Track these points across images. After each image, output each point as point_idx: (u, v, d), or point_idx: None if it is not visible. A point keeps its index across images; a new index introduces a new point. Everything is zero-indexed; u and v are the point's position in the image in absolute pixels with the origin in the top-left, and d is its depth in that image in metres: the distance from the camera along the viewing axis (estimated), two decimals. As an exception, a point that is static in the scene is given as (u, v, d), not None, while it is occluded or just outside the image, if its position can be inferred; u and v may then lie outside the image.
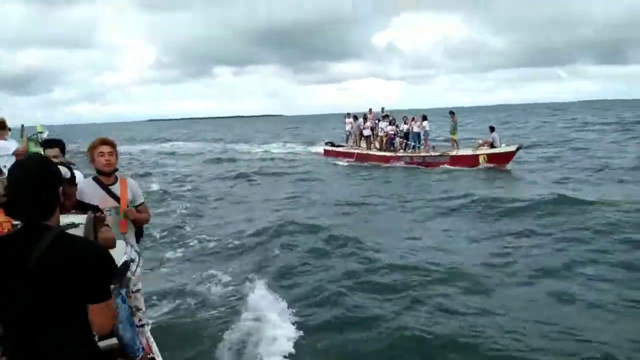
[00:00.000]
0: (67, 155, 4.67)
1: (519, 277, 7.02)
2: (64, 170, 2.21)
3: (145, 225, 3.96)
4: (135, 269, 3.65)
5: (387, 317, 5.71)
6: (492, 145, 18.93)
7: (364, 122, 24.27)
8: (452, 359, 4.82)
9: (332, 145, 26.85)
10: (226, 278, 7.38)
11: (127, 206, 3.66)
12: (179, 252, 9.06)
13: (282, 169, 22.40)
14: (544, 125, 45.11)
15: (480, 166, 18.52)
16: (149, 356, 3.62)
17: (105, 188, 3.64)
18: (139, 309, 3.74)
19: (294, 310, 5.99)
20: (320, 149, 29.13)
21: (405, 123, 22.19)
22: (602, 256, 7.64)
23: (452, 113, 21.31)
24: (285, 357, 4.92)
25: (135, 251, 3.73)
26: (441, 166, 19.42)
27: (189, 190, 16.93)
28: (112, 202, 3.60)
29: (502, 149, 18.70)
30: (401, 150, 21.96)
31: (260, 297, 6.38)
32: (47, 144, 4.60)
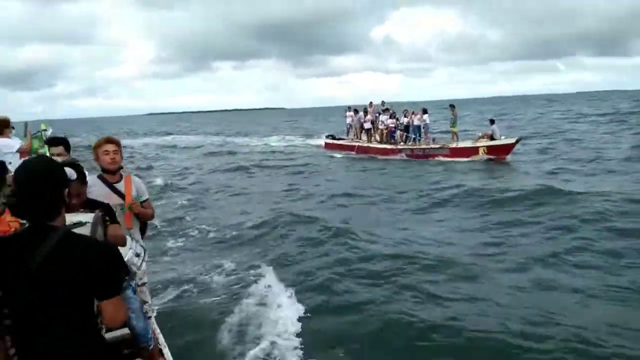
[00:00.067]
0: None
1: (506, 265, 7.28)
2: (69, 171, 2.25)
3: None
4: (141, 264, 3.67)
5: (377, 302, 6.01)
6: (491, 138, 19.09)
7: (365, 116, 24.45)
8: (438, 342, 5.06)
9: (333, 138, 27.02)
10: (226, 266, 7.67)
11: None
12: (180, 242, 9.36)
13: (281, 162, 22.63)
14: (540, 117, 45.24)
15: (480, 158, 18.69)
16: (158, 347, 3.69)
17: (110, 186, 3.69)
18: (145, 302, 3.79)
19: (292, 296, 6.27)
20: (320, 141, 29.31)
21: (405, 116, 22.35)
22: (588, 244, 7.88)
23: (452, 106, 21.43)
24: (284, 338, 5.21)
25: (141, 246, 3.74)
26: (441, 158, 19.59)
27: (189, 182, 17.22)
28: (117, 200, 3.63)
29: (502, 141, 18.86)
30: (402, 143, 22.11)
31: (259, 284, 6.73)
32: (52, 141, 4.70)
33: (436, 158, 19.74)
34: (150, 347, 3.50)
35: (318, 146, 28.53)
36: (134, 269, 3.41)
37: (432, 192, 12.93)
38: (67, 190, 1.90)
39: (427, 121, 21.88)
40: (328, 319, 5.73)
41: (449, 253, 7.84)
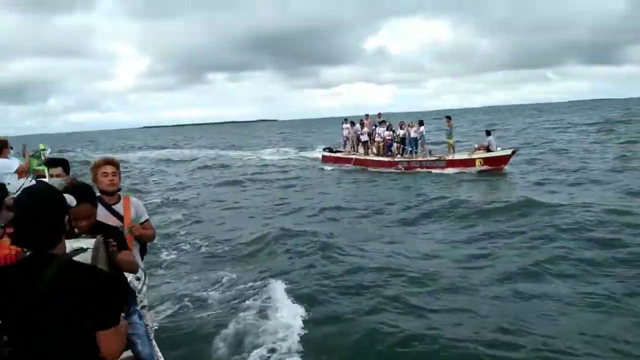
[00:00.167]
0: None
1: (487, 275, 7.53)
2: (69, 198, 2.24)
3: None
4: (142, 287, 3.60)
5: (361, 312, 6.26)
6: (488, 149, 19.25)
7: (361, 128, 24.57)
8: (416, 350, 5.30)
9: (330, 150, 27.04)
10: (219, 281, 7.88)
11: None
12: (173, 256, 9.58)
13: (273, 175, 22.89)
14: (530, 127, 45.82)
15: (477, 170, 18.85)
16: None
17: (109, 207, 3.63)
18: (146, 325, 3.69)
19: (280, 308, 6.47)
20: (315, 154, 29.59)
21: (401, 128, 22.48)
22: (567, 254, 8.14)
23: (448, 117, 21.61)
24: (273, 348, 5.46)
25: (141, 269, 3.64)
26: (438, 170, 19.72)
27: (183, 197, 17.39)
28: (115, 222, 3.54)
29: (498, 152, 19.08)
30: (398, 155, 22.23)
31: (250, 297, 6.96)
32: (51, 162, 4.78)
33: (433, 170, 19.86)
34: None
35: (312, 159, 28.79)
36: (135, 292, 3.36)
37: (421, 204, 13.23)
38: (67, 217, 1.92)
39: (424, 133, 22.04)
40: (314, 330, 5.93)
41: (432, 265, 8.13)
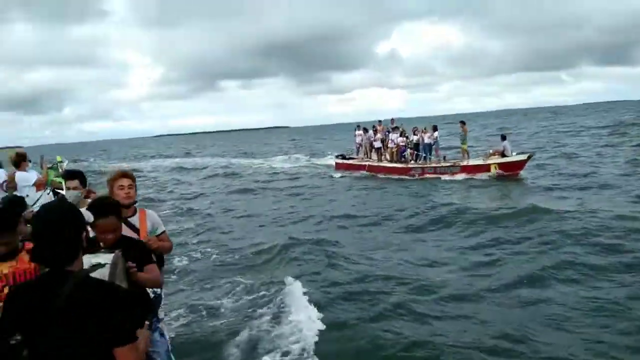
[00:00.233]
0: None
1: (493, 282, 7.58)
2: (87, 214, 2.32)
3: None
4: (158, 300, 3.61)
5: (366, 319, 6.40)
6: (503, 154, 18.97)
7: (374, 134, 24.43)
8: (419, 357, 5.40)
9: (344, 157, 26.88)
10: (230, 288, 8.07)
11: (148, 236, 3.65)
12: (185, 263, 9.78)
13: (284, 183, 23.09)
14: (542, 130, 45.54)
15: (491, 175, 18.64)
16: None
17: (125, 220, 3.58)
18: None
19: (289, 315, 6.62)
20: (327, 161, 29.69)
21: (415, 134, 22.35)
22: (574, 262, 8.13)
23: (462, 122, 21.36)
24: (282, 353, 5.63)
25: None
26: (452, 177, 19.50)
27: (195, 206, 17.60)
28: (131, 235, 3.53)
29: (514, 157, 18.76)
30: (412, 162, 22.02)
31: (257, 306, 7.13)
32: (67, 175, 4.89)
33: (447, 176, 19.65)
34: None
35: (323, 165, 28.90)
36: (157, 308, 3.37)
37: (430, 211, 13.26)
38: (85, 233, 1.96)
39: (438, 138, 21.85)
40: (323, 335, 6.03)
41: (438, 272, 8.23)
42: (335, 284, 7.80)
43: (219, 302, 7.55)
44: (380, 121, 25.28)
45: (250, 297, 7.61)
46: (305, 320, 6.50)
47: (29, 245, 2.67)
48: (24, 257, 2.84)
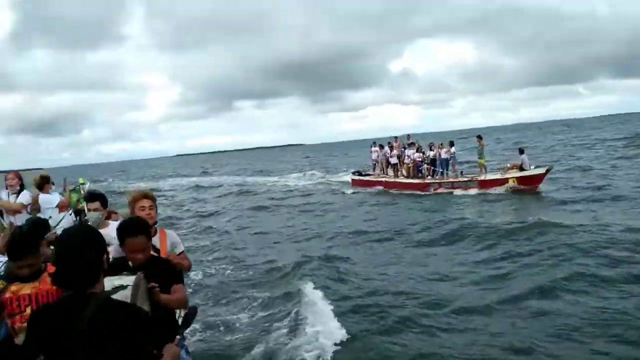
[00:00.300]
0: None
1: (501, 295, 7.65)
2: (110, 235, 2.39)
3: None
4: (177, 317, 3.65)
5: (374, 332, 6.55)
6: (521, 168, 18.83)
7: (390, 151, 24.44)
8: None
9: (360, 174, 26.88)
10: (244, 304, 8.29)
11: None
12: (199, 277, 10.02)
13: (297, 200, 23.32)
14: (558, 144, 45.23)
15: (507, 190, 18.48)
16: None
17: None
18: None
19: (303, 330, 6.78)
20: (341, 177, 29.81)
21: (431, 149, 22.31)
22: (583, 275, 8.13)
23: (479, 137, 21.29)
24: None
25: None
26: (468, 191, 19.36)
27: (210, 224, 17.88)
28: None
29: (532, 171, 18.63)
30: (429, 177, 21.93)
31: (272, 321, 7.34)
32: (89, 197, 4.91)
33: (464, 191, 19.50)
34: None
35: (337, 182, 29.10)
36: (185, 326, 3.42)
37: (443, 226, 13.32)
38: (106, 256, 2.00)
39: (455, 153, 21.77)
40: (334, 349, 6.22)
41: (449, 286, 8.35)
42: (347, 298, 7.96)
43: (234, 316, 7.75)
44: (396, 137, 25.33)
45: (266, 312, 7.82)
46: (320, 333, 6.62)
47: (52, 267, 2.69)
48: (47, 278, 2.87)
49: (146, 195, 3.90)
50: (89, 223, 4.22)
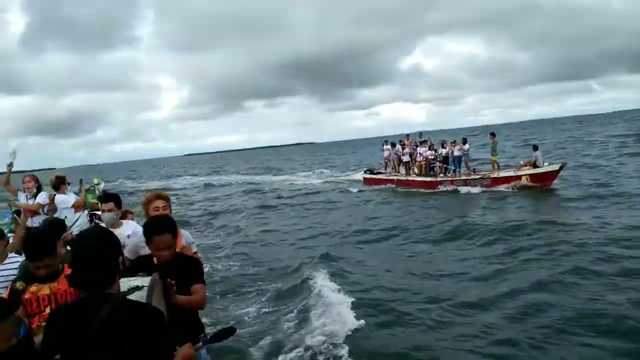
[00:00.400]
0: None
1: (501, 291, 7.83)
2: (122, 236, 2.46)
3: None
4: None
5: (375, 328, 6.79)
6: (534, 165, 18.61)
7: (402, 149, 24.39)
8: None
9: (371, 172, 26.79)
10: (253, 299, 8.58)
11: None
12: (206, 269, 10.25)
13: (305, 199, 23.55)
14: (567, 140, 44.98)
15: (514, 186, 18.37)
16: None
17: None
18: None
19: (307, 324, 7.04)
20: (351, 176, 29.88)
21: (443, 147, 22.20)
22: (586, 272, 8.22)
23: (492, 134, 21.17)
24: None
25: None
26: (482, 189, 19.24)
27: (218, 223, 18.19)
28: None
29: (545, 168, 18.33)
30: (441, 175, 21.79)
31: (277, 316, 7.60)
32: (103, 198, 4.97)
33: (476, 188, 19.40)
34: None
35: (346, 180, 29.23)
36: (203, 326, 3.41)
37: (450, 223, 13.41)
38: (121, 257, 2.07)
39: (468, 151, 21.63)
40: (336, 341, 6.43)
41: (451, 283, 8.55)
42: (351, 292, 8.14)
43: (243, 310, 8.04)
44: (407, 135, 25.30)
45: (273, 305, 8.12)
46: (326, 325, 6.85)
47: (68, 269, 2.81)
48: (64, 279, 2.89)
49: (159, 195, 3.94)
50: (103, 223, 4.46)
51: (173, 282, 2.60)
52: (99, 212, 5.54)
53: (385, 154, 26.27)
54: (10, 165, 7.43)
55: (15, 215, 7.54)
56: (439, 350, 6.00)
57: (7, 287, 3.09)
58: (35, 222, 6.31)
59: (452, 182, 20.67)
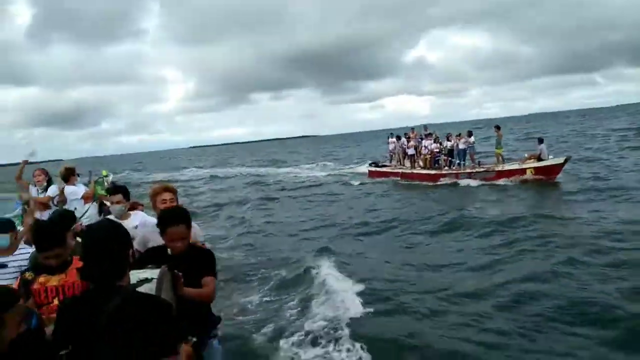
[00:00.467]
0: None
1: (494, 282, 8.06)
2: (129, 230, 2.20)
3: None
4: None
5: (372, 315, 7.04)
6: (539, 158, 18.61)
7: (407, 141, 24.35)
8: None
9: (376, 165, 26.77)
10: (255, 288, 8.83)
11: None
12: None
13: (309, 191, 23.78)
14: (570, 134, 44.91)
15: (527, 179, 18.37)
16: None
17: None
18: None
19: (308, 312, 7.29)
20: (354, 169, 30.00)
21: (448, 140, 22.18)
22: (580, 265, 8.39)
23: (497, 127, 21.18)
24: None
25: None
26: (487, 182, 19.26)
27: (223, 213, 18.54)
28: None
29: (550, 161, 18.33)
30: (446, 168, 21.79)
31: (280, 302, 7.89)
32: (111, 190, 5.10)
33: (479, 181, 19.44)
34: None
35: (348, 174, 29.39)
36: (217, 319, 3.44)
37: (450, 216, 13.60)
38: (131, 250, 2.09)
39: (473, 143, 21.63)
40: (334, 329, 6.61)
41: (446, 274, 8.79)
42: (351, 282, 8.40)
43: (246, 298, 8.29)
44: (412, 128, 25.29)
45: (276, 295, 8.35)
46: (329, 312, 7.10)
47: (77, 260, 2.87)
48: (74, 270, 2.93)
49: (167, 188, 3.96)
50: (112, 215, 4.59)
51: (180, 274, 2.60)
52: (108, 203, 5.63)
53: (391, 146, 26.26)
54: (25, 162, 7.63)
55: (25, 206, 7.71)
56: (434, 337, 6.23)
57: (18, 277, 3.14)
58: (45, 215, 6.35)
59: (457, 175, 20.65)
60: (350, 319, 6.86)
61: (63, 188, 7.20)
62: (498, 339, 6.08)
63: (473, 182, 19.64)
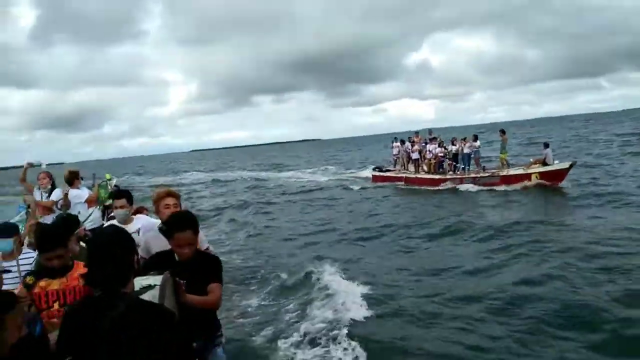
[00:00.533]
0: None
1: (491, 285, 8.18)
2: (135, 237, 2.48)
3: None
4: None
5: (370, 318, 7.18)
6: (544, 163, 18.43)
7: (412, 146, 24.18)
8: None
9: (380, 170, 26.62)
10: (255, 292, 8.95)
11: None
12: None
13: (310, 195, 23.83)
14: (572, 139, 44.87)
15: (532, 185, 18.24)
16: None
17: None
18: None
19: (308, 314, 7.44)
20: (356, 173, 30.03)
21: (453, 144, 21.99)
22: (576, 270, 8.46)
23: (502, 131, 20.92)
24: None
25: None
26: (491, 187, 19.06)
27: (224, 217, 18.68)
28: None
29: (555, 166, 18.19)
30: (450, 172, 21.65)
31: (279, 306, 8.01)
32: (116, 194, 5.01)
33: (484, 186, 19.30)
34: None
35: (349, 178, 29.48)
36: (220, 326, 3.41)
37: (449, 221, 13.64)
38: (135, 257, 2.06)
39: (478, 148, 21.44)
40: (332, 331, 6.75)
41: (443, 278, 8.92)
42: (351, 285, 8.49)
43: (247, 302, 8.44)
44: (417, 132, 25.16)
45: (275, 299, 8.49)
46: (327, 314, 7.22)
47: (79, 265, 2.96)
48: (74, 275, 2.94)
49: (170, 192, 3.92)
50: (115, 220, 4.62)
51: (182, 281, 2.58)
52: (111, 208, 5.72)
53: (395, 151, 26.08)
54: (29, 164, 7.73)
55: (29, 210, 7.81)
56: (430, 340, 6.35)
57: (21, 282, 3.13)
58: (49, 219, 6.35)
59: (461, 180, 20.49)
60: (349, 321, 6.98)
61: (67, 192, 7.24)
62: (491, 343, 6.20)
63: (476, 187, 19.54)
